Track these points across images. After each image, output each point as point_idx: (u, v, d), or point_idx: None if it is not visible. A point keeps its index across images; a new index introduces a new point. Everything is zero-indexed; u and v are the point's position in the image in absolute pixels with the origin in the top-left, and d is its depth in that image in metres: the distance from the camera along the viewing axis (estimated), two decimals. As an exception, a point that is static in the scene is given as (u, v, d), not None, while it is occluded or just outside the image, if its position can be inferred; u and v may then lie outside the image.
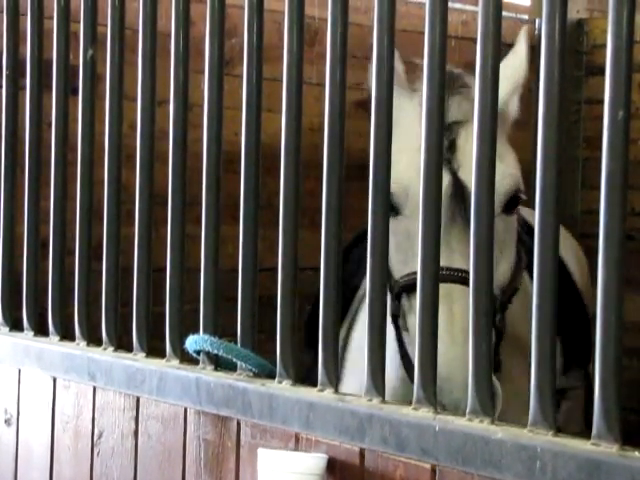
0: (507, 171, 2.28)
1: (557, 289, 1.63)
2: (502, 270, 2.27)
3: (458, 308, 2.07)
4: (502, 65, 2.11)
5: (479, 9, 1.73)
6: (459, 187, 2.24)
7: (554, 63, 1.63)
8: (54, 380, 2.56)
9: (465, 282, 2.03)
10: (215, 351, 2.11)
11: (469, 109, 2.13)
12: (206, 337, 2.14)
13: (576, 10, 3.79)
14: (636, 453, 1.48)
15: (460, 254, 2.16)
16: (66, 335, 2.59)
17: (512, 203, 2.32)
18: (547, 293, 1.62)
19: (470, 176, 1.88)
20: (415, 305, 1.82)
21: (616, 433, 1.51)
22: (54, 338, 2.60)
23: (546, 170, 1.63)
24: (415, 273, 1.83)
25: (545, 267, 1.62)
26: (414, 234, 1.94)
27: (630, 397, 2.52)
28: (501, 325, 2.23)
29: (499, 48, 1.72)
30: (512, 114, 2.48)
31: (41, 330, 2.66)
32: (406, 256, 2.25)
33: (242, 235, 2.13)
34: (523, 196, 2.33)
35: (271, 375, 2.06)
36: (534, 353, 1.62)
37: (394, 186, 1.97)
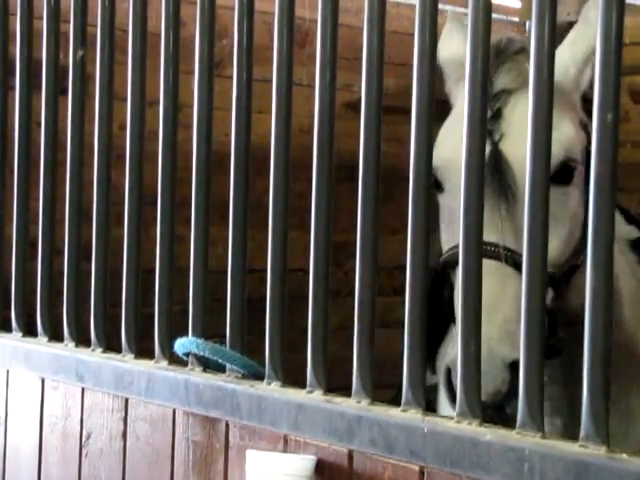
0: (556, 137, 2.15)
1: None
2: (552, 247, 1.99)
3: (498, 287, 1.99)
4: (571, 35, 2.07)
5: (469, 11, 1.73)
6: (498, 159, 2.16)
7: (544, 65, 1.63)
8: (42, 381, 2.55)
9: (507, 260, 2.02)
10: (203, 353, 2.11)
11: (519, 76, 2.09)
12: (193, 339, 2.14)
13: (566, 12, 3.79)
14: (624, 455, 1.48)
15: (499, 230, 2.08)
16: (55, 336, 2.58)
17: (565, 173, 2.21)
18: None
19: (512, 147, 1.82)
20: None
21: (604, 435, 1.51)
22: (42, 339, 2.59)
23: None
24: (457, 246, 1.75)
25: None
26: (455, 209, 1.89)
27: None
28: (554, 305, 2.14)
29: (488, 50, 1.72)
30: (584, 84, 2.37)
31: (30, 331, 2.66)
32: (451, 233, 2.19)
33: (231, 236, 2.12)
34: (577, 165, 2.22)
35: (260, 376, 2.06)
36: (523, 355, 1.62)
37: (437, 160, 1.92)
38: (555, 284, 2.16)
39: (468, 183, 1.72)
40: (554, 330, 2.13)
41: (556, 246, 2.17)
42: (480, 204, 1.71)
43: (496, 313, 2.00)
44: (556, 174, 2.14)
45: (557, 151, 2.11)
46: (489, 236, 2.03)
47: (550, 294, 2.10)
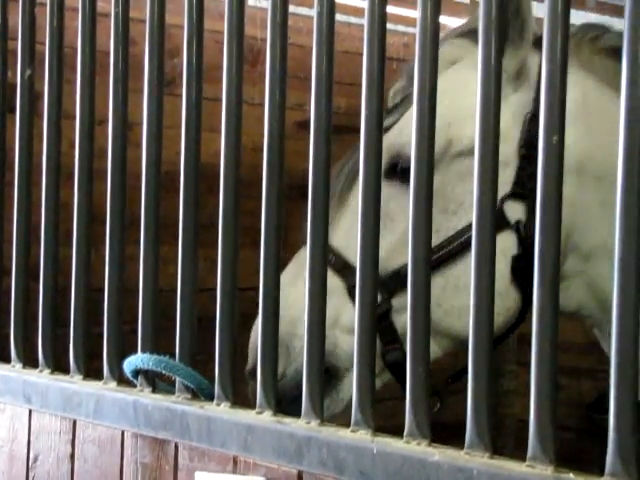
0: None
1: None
2: (385, 245, 2.08)
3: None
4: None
5: (417, 32, 1.74)
6: None
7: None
8: (-11, 403, 2.50)
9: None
10: (148, 367, 2.08)
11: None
12: (139, 355, 2.11)
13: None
14: (571, 475, 1.48)
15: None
16: (1, 356, 2.54)
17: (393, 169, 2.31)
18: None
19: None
20: None
21: (551, 455, 1.52)
22: (-11, 360, 2.55)
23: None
24: None
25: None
26: None
27: (569, 416, 2.53)
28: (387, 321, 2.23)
29: (436, 71, 1.72)
30: None
31: (-25, 352, 2.61)
32: None
33: (181, 255, 2.11)
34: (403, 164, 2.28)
35: (205, 389, 2.04)
36: (470, 372, 1.62)
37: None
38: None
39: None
40: None
41: (390, 245, 2.24)
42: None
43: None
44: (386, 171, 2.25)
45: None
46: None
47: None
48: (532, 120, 2.23)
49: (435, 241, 2.07)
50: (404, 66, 2.46)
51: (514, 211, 2.21)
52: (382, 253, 1.79)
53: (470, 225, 1.62)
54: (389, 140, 2.31)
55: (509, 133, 2.24)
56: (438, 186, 2.05)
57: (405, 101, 2.42)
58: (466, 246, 2.11)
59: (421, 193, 1.69)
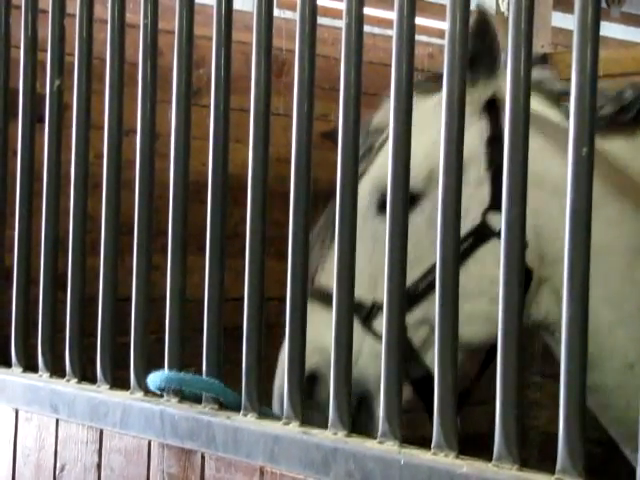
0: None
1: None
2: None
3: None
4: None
5: (445, 42, 1.74)
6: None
7: (520, 98, 1.64)
8: (16, 412, 2.52)
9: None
10: (180, 387, 2.09)
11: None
12: (169, 375, 2.11)
13: (540, 45, 3.83)
14: (601, 488, 1.48)
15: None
16: (29, 366, 2.55)
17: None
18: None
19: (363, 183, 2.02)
20: None
21: (580, 468, 1.51)
22: (17, 369, 2.56)
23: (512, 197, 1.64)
24: None
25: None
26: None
27: (596, 428, 2.51)
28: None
29: (464, 81, 1.72)
30: None
31: (4, 361, 2.62)
32: None
33: (208, 265, 2.11)
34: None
35: (237, 402, 2.04)
36: (499, 386, 1.62)
37: None
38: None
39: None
40: None
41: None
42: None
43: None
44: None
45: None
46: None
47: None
48: (491, 141, 2.48)
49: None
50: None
51: (497, 220, 2.37)
52: None
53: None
54: (376, 174, 2.44)
55: (478, 156, 2.48)
56: (432, 210, 2.29)
57: (380, 139, 2.53)
58: (463, 256, 2.29)
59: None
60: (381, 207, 2.41)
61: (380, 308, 2.30)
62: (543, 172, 2.43)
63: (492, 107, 2.49)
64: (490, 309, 2.29)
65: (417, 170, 2.14)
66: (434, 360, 1.71)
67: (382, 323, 2.17)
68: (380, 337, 2.19)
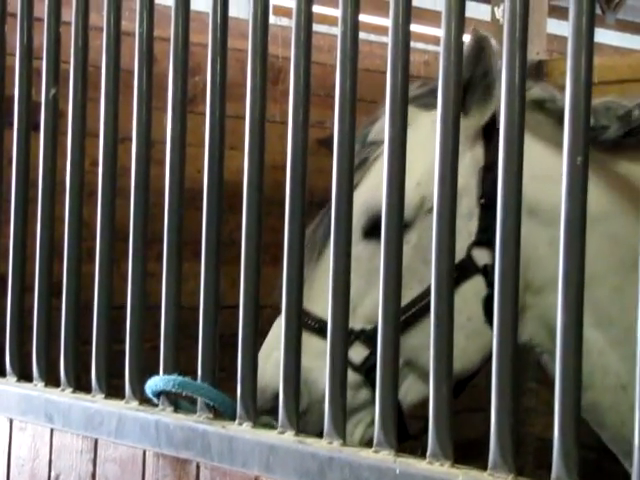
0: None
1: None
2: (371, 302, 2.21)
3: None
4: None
5: (440, 50, 1.74)
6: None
7: (514, 104, 1.63)
8: (10, 422, 2.50)
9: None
10: (169, 389, 2.07)
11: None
12: (167, 378, 2.10)
13: (536, 52, 3.84)
14: (596, 496, 1.47)
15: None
16: (23, 375, 2.54)
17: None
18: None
19: (358, 198, 1.98)
20: None
21: (575, 475, 1.50)
22: (11, 379, 2.55)
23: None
24: None
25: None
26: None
27: (591, 434, 2.51)
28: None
29: (460, 89, 1.72)
30: None
31: (-2, 370, 2.62)
32: None
33: (203, 272, 2.11)
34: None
35: (231, 408, 2.03)
36: (494, 395, 1.61)
37: None
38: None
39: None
40: None
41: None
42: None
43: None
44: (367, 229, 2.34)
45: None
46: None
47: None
48: (486, 171, 2.37)
49: (424, 286, 2.26)
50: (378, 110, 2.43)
51: (481, 256, 2.34)
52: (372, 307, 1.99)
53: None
54: (366, 197, 2.34)
55: (469, 187, 2.37)
56: (417, 240, 2.31)
57: (375, 153, 2.43)
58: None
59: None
60: (367, 233, 2.33)
61: (357, 337, 2.27)
62: (533, 200, 2.32)
63: (488, 132, 2.39)
64: (465, 345, 2.31)
65: (409, 197, 2.04)
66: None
67: (357, 351, 2.23)
68: (353, 366, 2.20)
